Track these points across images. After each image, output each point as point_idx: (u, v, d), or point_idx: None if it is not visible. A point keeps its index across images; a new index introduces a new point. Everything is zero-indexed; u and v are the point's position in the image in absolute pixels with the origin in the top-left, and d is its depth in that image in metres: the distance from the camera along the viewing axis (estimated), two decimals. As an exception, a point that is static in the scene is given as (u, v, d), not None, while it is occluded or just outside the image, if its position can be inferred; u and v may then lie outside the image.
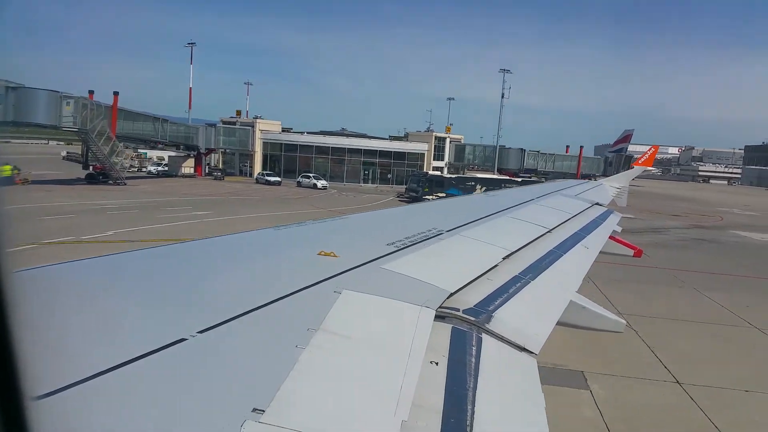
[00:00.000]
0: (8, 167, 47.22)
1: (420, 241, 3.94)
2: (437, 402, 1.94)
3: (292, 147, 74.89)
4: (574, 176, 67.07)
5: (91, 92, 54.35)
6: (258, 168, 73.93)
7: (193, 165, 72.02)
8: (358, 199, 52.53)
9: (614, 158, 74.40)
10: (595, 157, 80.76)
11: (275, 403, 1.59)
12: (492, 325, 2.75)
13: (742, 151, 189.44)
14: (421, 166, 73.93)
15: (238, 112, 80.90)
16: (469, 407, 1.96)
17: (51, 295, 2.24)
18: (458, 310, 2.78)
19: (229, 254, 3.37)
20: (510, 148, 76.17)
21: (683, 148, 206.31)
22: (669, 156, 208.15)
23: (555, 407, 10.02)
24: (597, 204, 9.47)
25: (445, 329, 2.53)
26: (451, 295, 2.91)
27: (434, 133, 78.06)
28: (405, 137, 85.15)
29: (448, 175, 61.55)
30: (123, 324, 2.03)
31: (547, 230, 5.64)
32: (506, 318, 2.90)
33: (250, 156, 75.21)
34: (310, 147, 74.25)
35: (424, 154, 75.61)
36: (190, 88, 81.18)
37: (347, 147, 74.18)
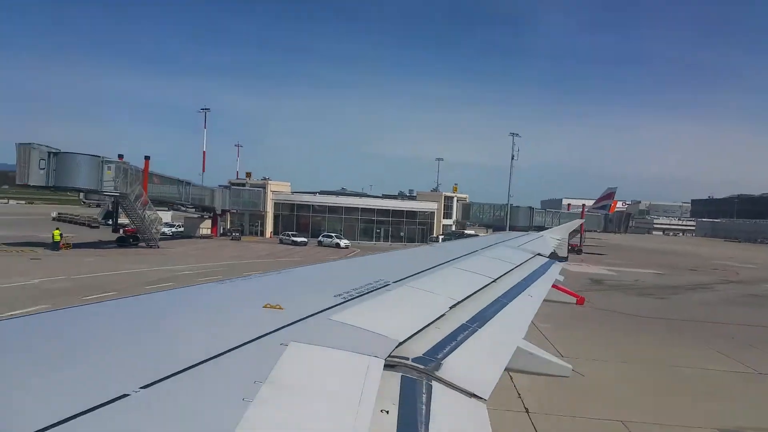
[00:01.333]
0: (57, 231, 46.00)
1: (367, 292, 3.93)
2: None
3: (304, 207, 75.43)
4: (577, 232, 70.05)
5: (120, 156, 53.73)
6: (270, 228, 73.83)
7: (209, 226, 71.26)
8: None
9: (615, 216, 79.12)
10: (594, 214, 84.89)
11: None
12: (441, 373, 2.76)
13: (689, 205, 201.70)
14: (431, 225, 75.80)
15: (248, 174, 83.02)
16: None
17: None
18: (407, 358, 2.79)
19: (174, 309, 3.31)
20: (519, 207, 79.61)
21: (629, 203, 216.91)
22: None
23: None
24: (539, 255, 9.73)
25: (395, 378, 2.53)
26: (400, 344, 2.91)
27: (443, 193, 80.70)
28: (403, 196, 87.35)
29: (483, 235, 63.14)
30: (65, 379, 1.98)
31: (492, 280, 5.75)
32: (455, 365, 2.92)
33: (261, 216, 75.14)
34: (323, 207, 75.02)
35: (434, 212, 77.81)
36: (204, 151, 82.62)
37: (361, 207, 75.50)
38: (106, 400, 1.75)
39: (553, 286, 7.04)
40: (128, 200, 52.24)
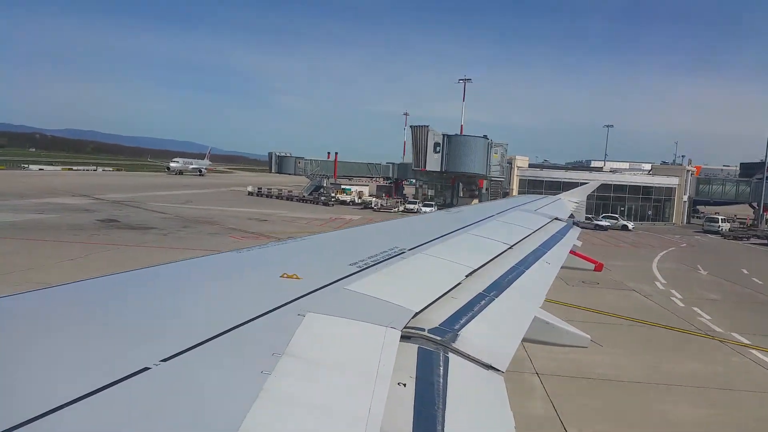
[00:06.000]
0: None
1: (383, 260, 3.91)
2: (406, 425, 1.92)
3: (553, 184, 69.84)
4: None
5: (484, 136, 48.05)
6: (515, 206, 68.55)
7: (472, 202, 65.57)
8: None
9: None
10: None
11: None
12: (458, 344, 2.73)
13: None
14: (669, 202, 71.46)
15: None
16: (439, 428, 1.95)
17: (9, 326, 2.20)
18: (424, 329, 2.77)
19: (193, 279, 3.32)
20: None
21: None
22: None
23: None
24: (556, 219, 9.55)
25: (412, 349, 2.51)
26: (416, 314, 2.88)
27: (685, 166, 75.67)
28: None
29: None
30: (85, 354, 1.99)
31: (509, 246, 5.69)
32: (472, 336, 2.88)
33: (506, 194, 69.69)
34: (574, 183, 69.43)
35: (674, 188, 72.89)
36: (462, 125, 69.86)
37: (614, 183, 69.91)
38: (128, 374, 1.77)
39: (571, 252, 6.93)
40: (501, 184, 46.68)
